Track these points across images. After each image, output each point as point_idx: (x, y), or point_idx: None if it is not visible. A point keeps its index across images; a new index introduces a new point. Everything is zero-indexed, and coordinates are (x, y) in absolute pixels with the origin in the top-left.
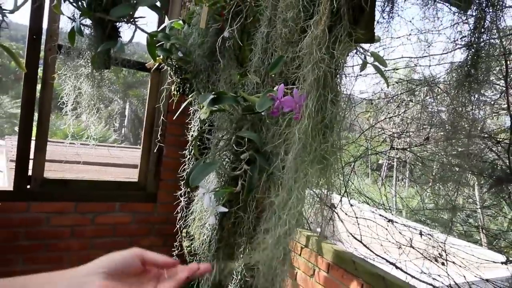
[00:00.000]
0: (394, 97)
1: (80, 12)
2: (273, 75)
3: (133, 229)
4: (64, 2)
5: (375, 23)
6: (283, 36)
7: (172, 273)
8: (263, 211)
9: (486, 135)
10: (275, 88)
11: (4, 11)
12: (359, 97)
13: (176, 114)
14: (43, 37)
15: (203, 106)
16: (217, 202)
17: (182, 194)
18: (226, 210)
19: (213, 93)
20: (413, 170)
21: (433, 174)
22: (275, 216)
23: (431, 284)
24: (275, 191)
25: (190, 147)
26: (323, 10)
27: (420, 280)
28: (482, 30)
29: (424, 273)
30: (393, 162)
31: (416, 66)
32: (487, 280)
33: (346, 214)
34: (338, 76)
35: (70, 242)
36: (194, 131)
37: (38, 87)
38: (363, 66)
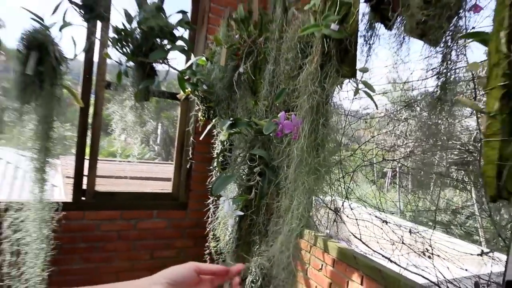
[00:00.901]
0: (386, 115)
1: (125, 57)
2: (277, 104)
3: (168, 233)
4: (112, 49)
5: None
6: (285, 72)
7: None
8: (272, 214)
9: (459, 147)
10: (278, 115)
11: (66, 59)
12: (362, 113)
13: (202, 135)
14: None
15: (223, 130)
16: (236, 207)
17: (211, 202)
18: (242, 214)
19: (231, 119)
20: (401, 177)
21: (411, 180)
22: (282, 218)
23: (420, 275)
24: (281, 198)
25: (214, 163)
26: (316, 51)
27: (411, 272)
28: (449, 62)
29: (414, 265)
30: (396, 170)
31: (401, 90)
32: (466, 270)
33: (347, 216)
34: (328, 103)
35: (117, 244)
36: (217, 149)
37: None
38: (356, 92)
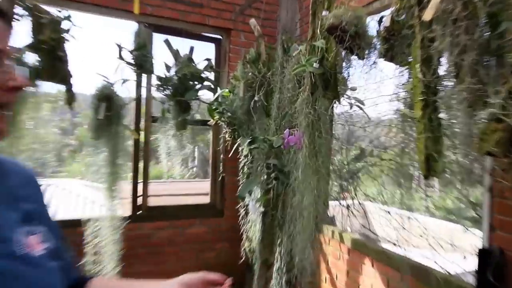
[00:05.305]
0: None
1: (166, 98)
2: (283, 123)
3: (209, 237)
4: (156, 91)
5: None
6: (287, 98)
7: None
8: (286, 208)
9: None
10: (284, 132)
11: (125, 105)
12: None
13: (230, 153)
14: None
15: (244, 146)
16: (258, 205)
17: (242, 206)
18: (263, 210)
19: (249, 137)
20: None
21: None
22: (296, 212)
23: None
24: (294, 195)
25: (241, 173)
26: (307, 82)
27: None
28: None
29: (414, 246)
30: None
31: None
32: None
33: (357, 211)
34: (321, 120)
35: (168, 249)
36: (242, 162)
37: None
38: (351, 106)
